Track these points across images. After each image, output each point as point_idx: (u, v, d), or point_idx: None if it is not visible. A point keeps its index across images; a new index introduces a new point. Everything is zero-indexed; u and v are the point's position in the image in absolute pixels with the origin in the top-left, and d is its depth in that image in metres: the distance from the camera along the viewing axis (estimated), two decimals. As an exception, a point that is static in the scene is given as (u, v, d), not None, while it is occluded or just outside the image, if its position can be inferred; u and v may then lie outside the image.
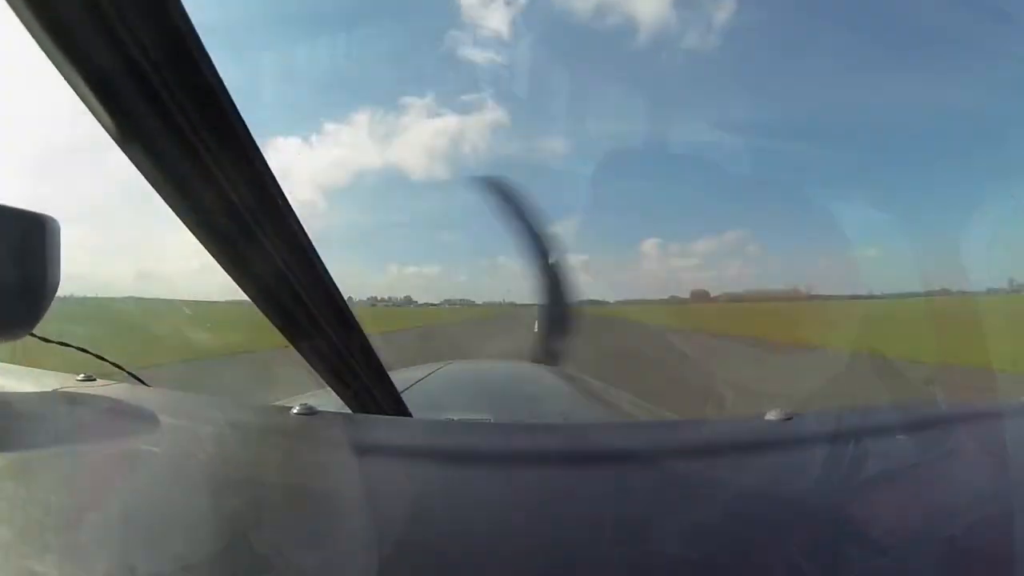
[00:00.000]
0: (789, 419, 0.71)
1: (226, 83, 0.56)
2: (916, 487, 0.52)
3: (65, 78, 0.53)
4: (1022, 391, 0.90)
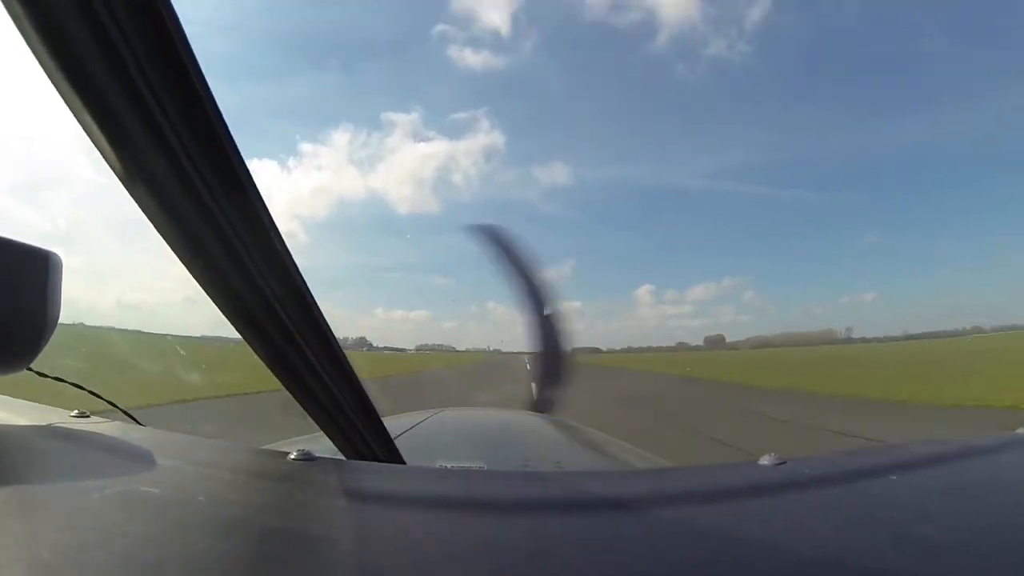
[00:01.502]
0: (783, 464, 0.71)
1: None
2: (913, 528, 0.52)
3: (68, 106, 0.53)
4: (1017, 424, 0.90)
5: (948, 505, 0.59)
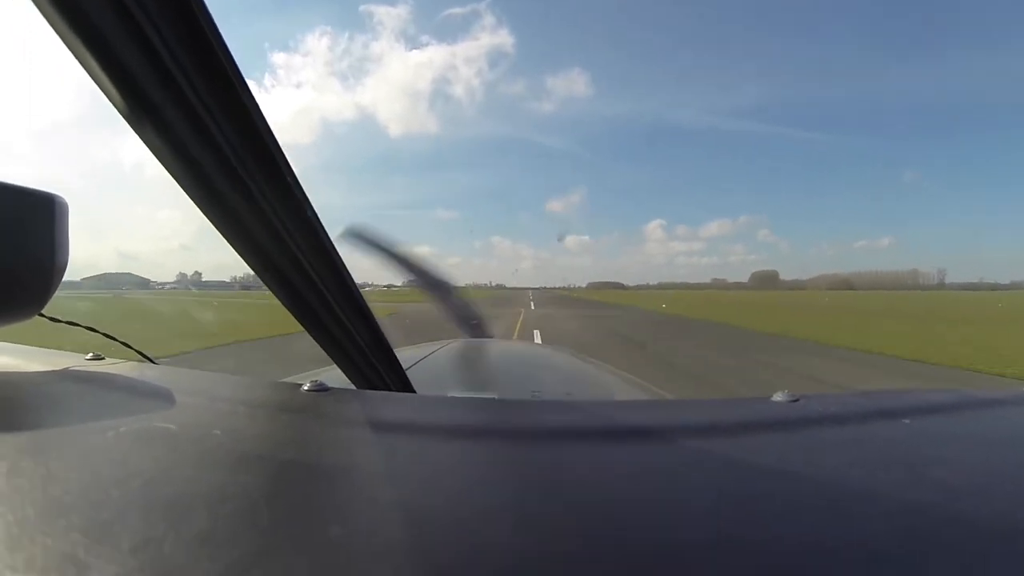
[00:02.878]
0: (796, 400, 0.71)
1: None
2: (930, 469, 0.52)
3: (77, 58, 0.53)
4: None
5: (964, 452, 0.59)
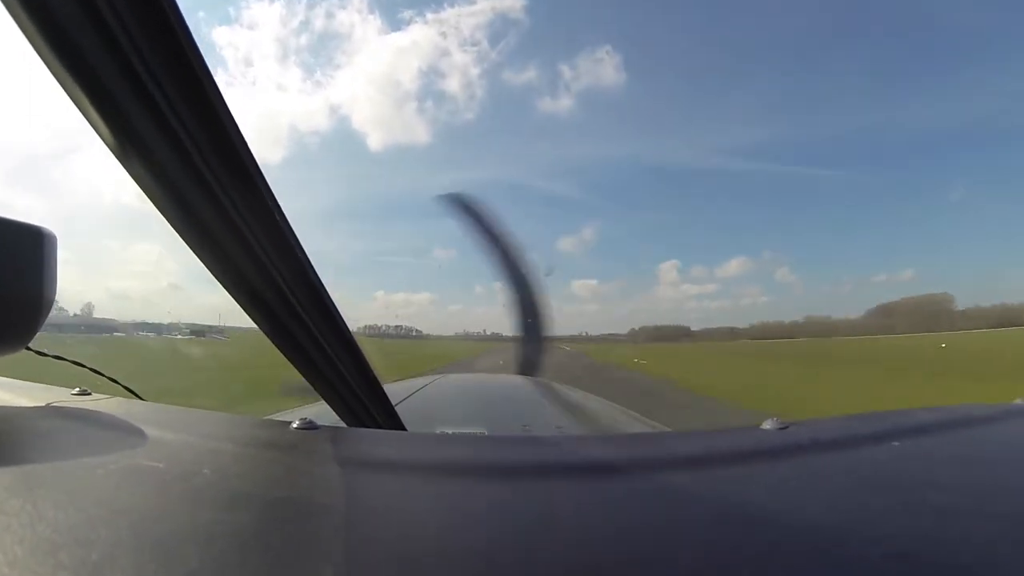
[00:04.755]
0: (785, 428, 0.72)
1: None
2: (922, 492, 0.52)
3: (60, 84, 0.54)
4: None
5: (954, 471, 0.60)
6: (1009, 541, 0.42)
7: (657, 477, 0.58)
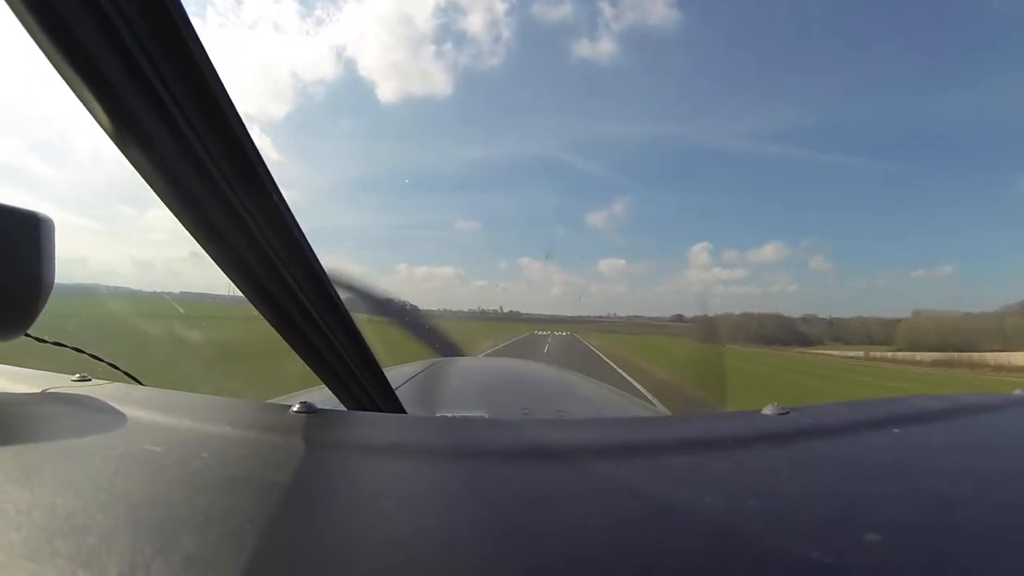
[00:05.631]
0: (786, 413, 0.72)
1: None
2: (922, 479, 0.52)
3: (61, 76, 0.53)
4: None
5: (955, 459, 0.60)
6: (1008, 529, 0.43)
7: (656, 461, 0.58)
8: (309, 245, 0.71)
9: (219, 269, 0.70)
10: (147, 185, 0.62)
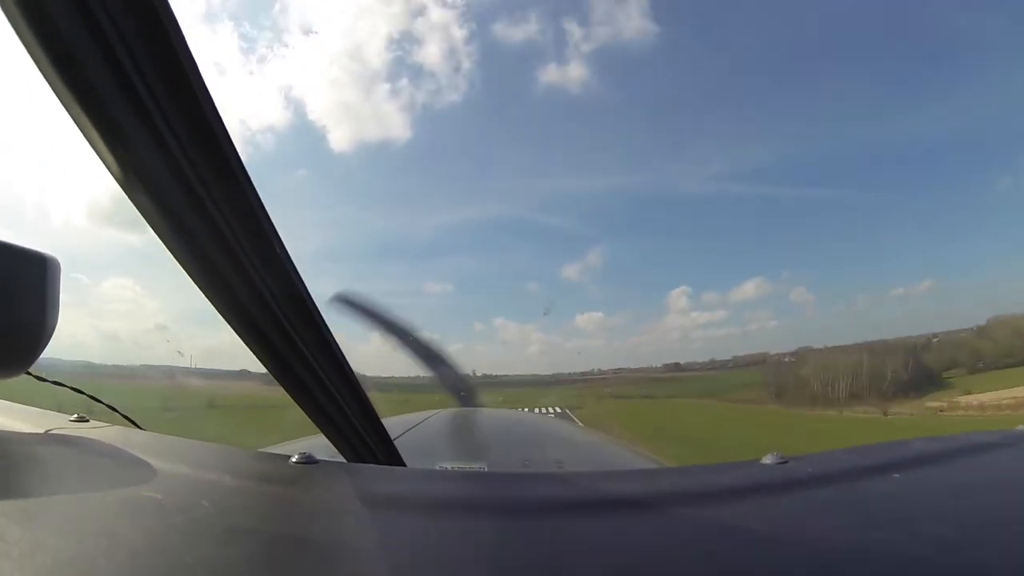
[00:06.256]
0: (785, 462, 0.71)
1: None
2: (924, 525, 0.52)
3: (64, 105, 0.54)
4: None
5: (956, 502, 0.59)
6: (1010, 571, 0.42)
7: (658, 513, 0.57)
8: (310, 294, 0.72)
9: (219, 336, 0.70)
10: (158, 250, 0.63)
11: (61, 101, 0.52)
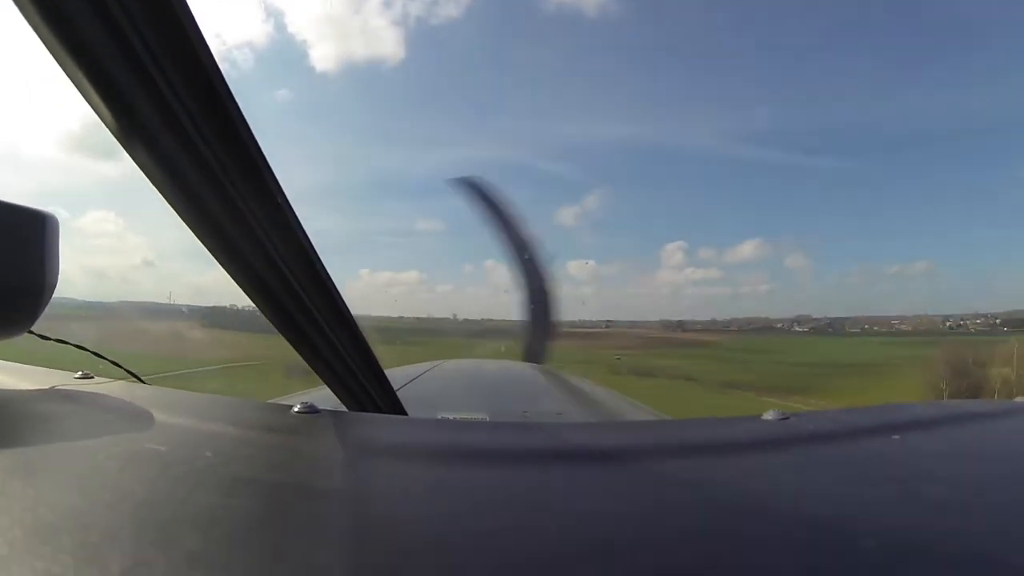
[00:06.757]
0: (786, 419, 0.72)
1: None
2: (919, 485, 0.53)
3: (69, 77, 0.53)
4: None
5: (952, 466, 0.60)
6: (1006, 535, 0.43)
7: (657, 465, 0.58)
8: (312, 246, 0.71)
9: (221, 269, 0.70)
10: (146, 184, 0.62)
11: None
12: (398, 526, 0.42)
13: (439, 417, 1.26)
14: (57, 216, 0.78)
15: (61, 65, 0.53)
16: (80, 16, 0.49)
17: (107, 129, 0.58)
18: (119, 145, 0.59)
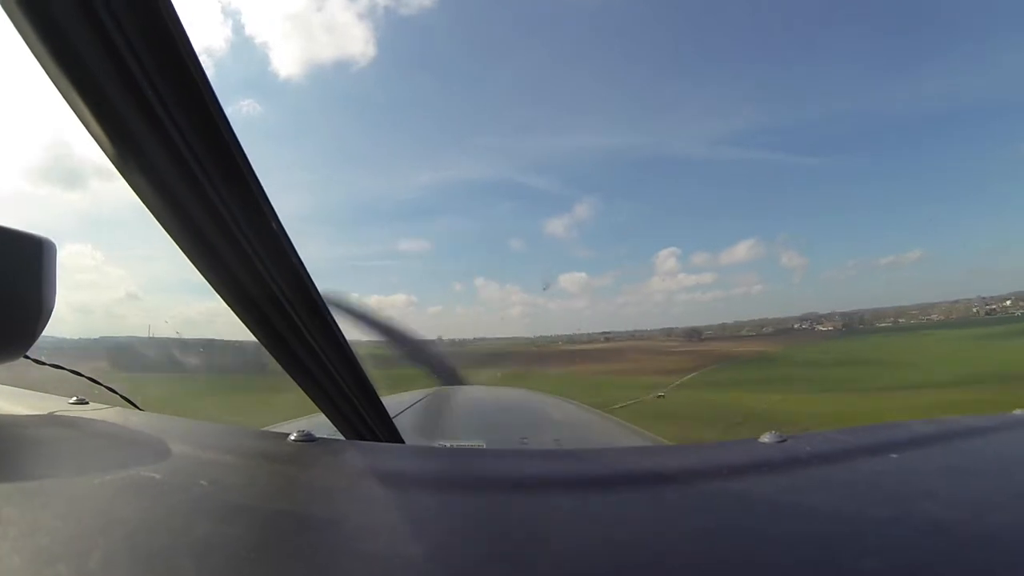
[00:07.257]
0: (784, 441, 0.72)
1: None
2: (917, 504, 0.52)
3: (62, 94, 0.54)
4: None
5: (950, 483, 0.60)
6: (1003, 553, 0.43)
7: (655, 491, 0.58)
8: (307, 271, 0.72)
9: (216, 296, 0.70)
10: (142, 209, 0.62)
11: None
12: (395, 555, 0.41)
13: (436, 445, 1.25)
14: (54, 242, 0.79)
15: (66, 98, 0.54)
16: (79, 42, 0.50)
17: (108, 158, 0.58)
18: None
